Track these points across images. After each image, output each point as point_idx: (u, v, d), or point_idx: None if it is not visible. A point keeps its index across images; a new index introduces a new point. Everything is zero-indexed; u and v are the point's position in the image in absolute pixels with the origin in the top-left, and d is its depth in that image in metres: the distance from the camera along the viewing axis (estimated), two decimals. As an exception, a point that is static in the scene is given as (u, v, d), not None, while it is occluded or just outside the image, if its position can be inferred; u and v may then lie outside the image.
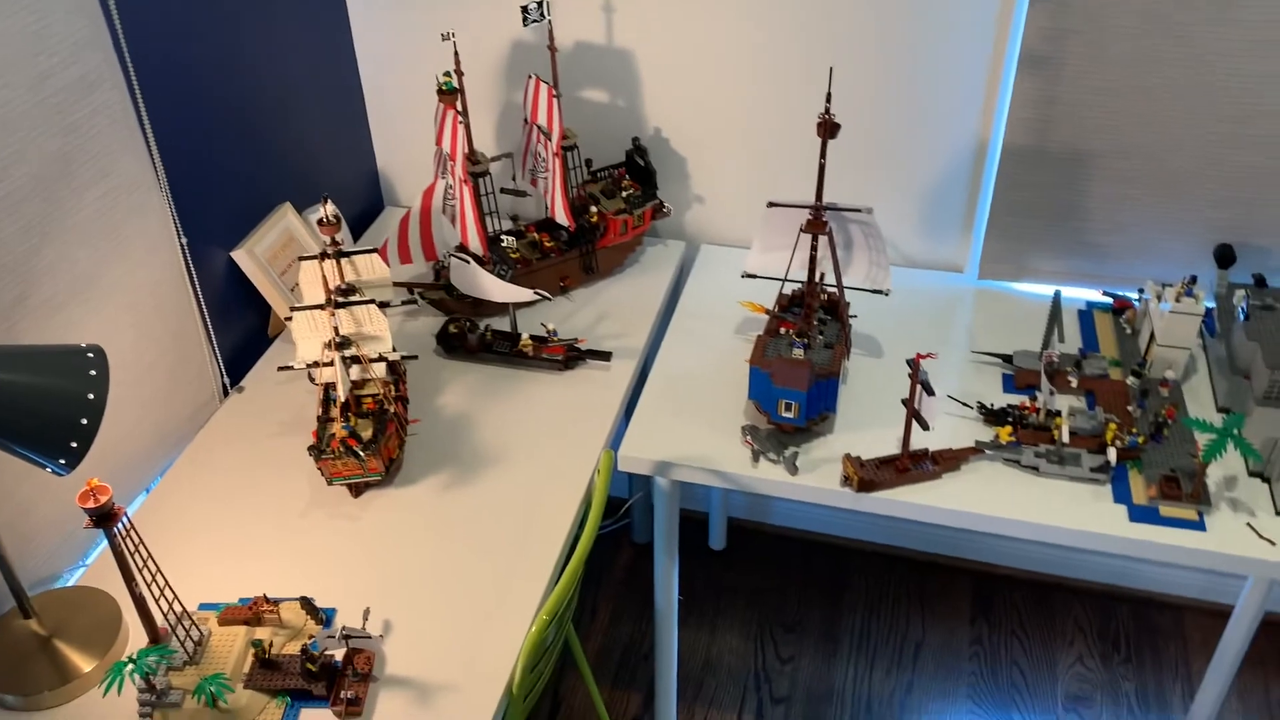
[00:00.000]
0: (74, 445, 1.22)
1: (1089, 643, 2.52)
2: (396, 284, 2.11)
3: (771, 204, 1.83)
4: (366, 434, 1.73)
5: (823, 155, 1.70)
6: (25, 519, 1.57)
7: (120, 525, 1.33)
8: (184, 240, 1.82)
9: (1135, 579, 2.62)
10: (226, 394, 1.98)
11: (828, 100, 1.67)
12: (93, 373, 1.24)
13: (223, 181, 1.94)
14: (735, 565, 2.74)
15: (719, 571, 2.72)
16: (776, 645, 2.54)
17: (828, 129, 1.68)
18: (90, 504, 1.30)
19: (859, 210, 1.81)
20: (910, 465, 1.72)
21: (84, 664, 1.48)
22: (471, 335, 2.05)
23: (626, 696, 2.44)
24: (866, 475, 1.70)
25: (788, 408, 1.74)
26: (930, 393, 1.63)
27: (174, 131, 1.78)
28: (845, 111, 2.11)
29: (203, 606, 1.58)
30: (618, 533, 2.83)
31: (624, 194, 2.21)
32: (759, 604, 2.63)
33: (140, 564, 1.39)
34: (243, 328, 2.05)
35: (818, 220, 1.76)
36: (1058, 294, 2.01)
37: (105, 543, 1.71)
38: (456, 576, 1.62)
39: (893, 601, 2.63)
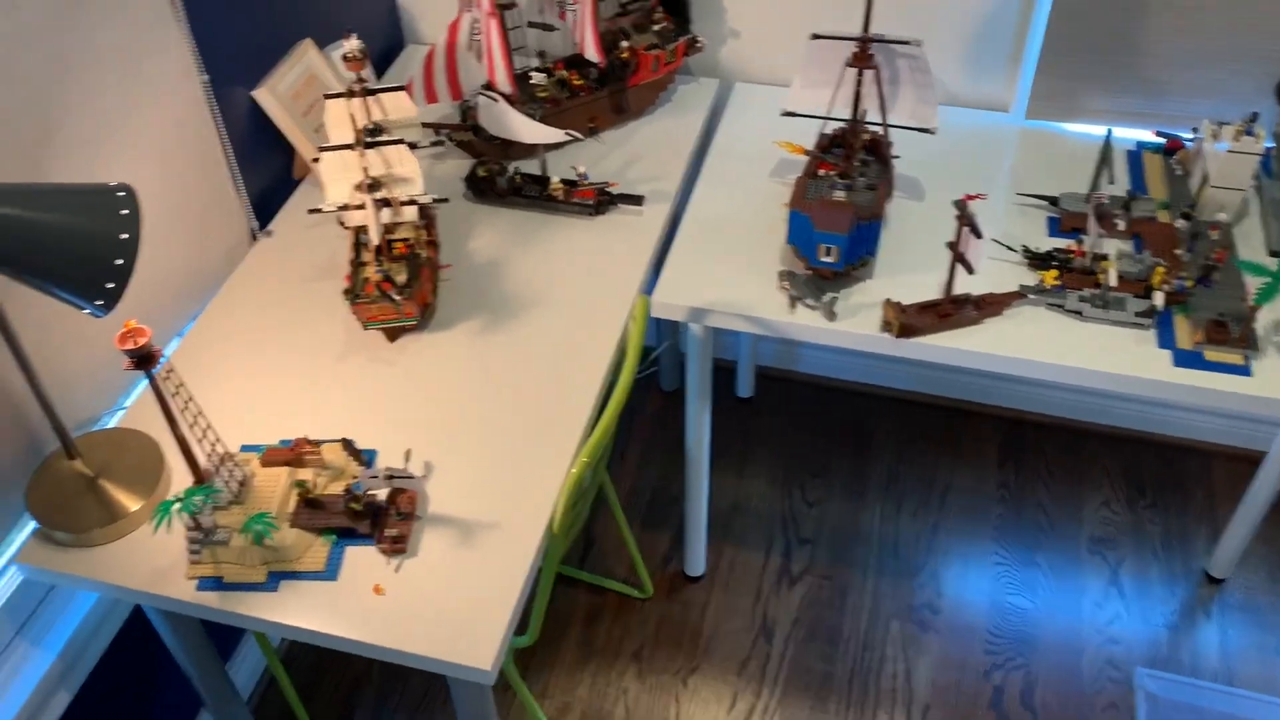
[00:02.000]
0: (110, 286, 1.21)
1: (1115, 487, 2.54)
2: (423, 125, 2.06)
3: (815, 36, 1.75)
4: (401, 278, 1.71)
5: (871, -16, 1.61)
6: (62, 362, 1.57)
7: (159, 367, 1.33)
8: (205, 77, 1.76)
9: (1166, 426, 2.62)
10: (255, 238, 1.96)
11: (879, -78, 1.57)
12: (124, 212, 1.22)
13: (241, 16, 1.86)
14: (763, 412, 2.75)
15: (746, 418, 2.74)
16: (803, 489, 2.57)
17: (878, -46, 1.58)
18: (130, 345, 1.29)
19: (907, 43, 1.72)
20: (952, 310, 1.69)
21: (130, 503, 1.50)
22: (501, 179, 2.00)
23: (656, 537, 2.49)
24: (907, 320, 1.68)
25: (827, 252, 1.70)
26: (978, 235, 1.58)
27: (189, -40, 1.70)
28: (892, -63, 1.99)
29: (244, 448, 1.59)
30: (646, 380, 2.84)
31: (656, 28, 2.12)
32: (786, 450, 2.66)
33: (181, 406, 1.39)
34: (268, 170, 2.01)
35: (864, 53, 1.68)
36: (1109, 133, 1.93)
37: (143, 385, 1.72)
38: (494, 419, 1.63)
39: (921, 447, 2.65)
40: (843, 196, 1.71)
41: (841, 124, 1.88)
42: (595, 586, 2.39)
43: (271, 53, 1.97)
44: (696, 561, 2.37)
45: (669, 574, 2.42)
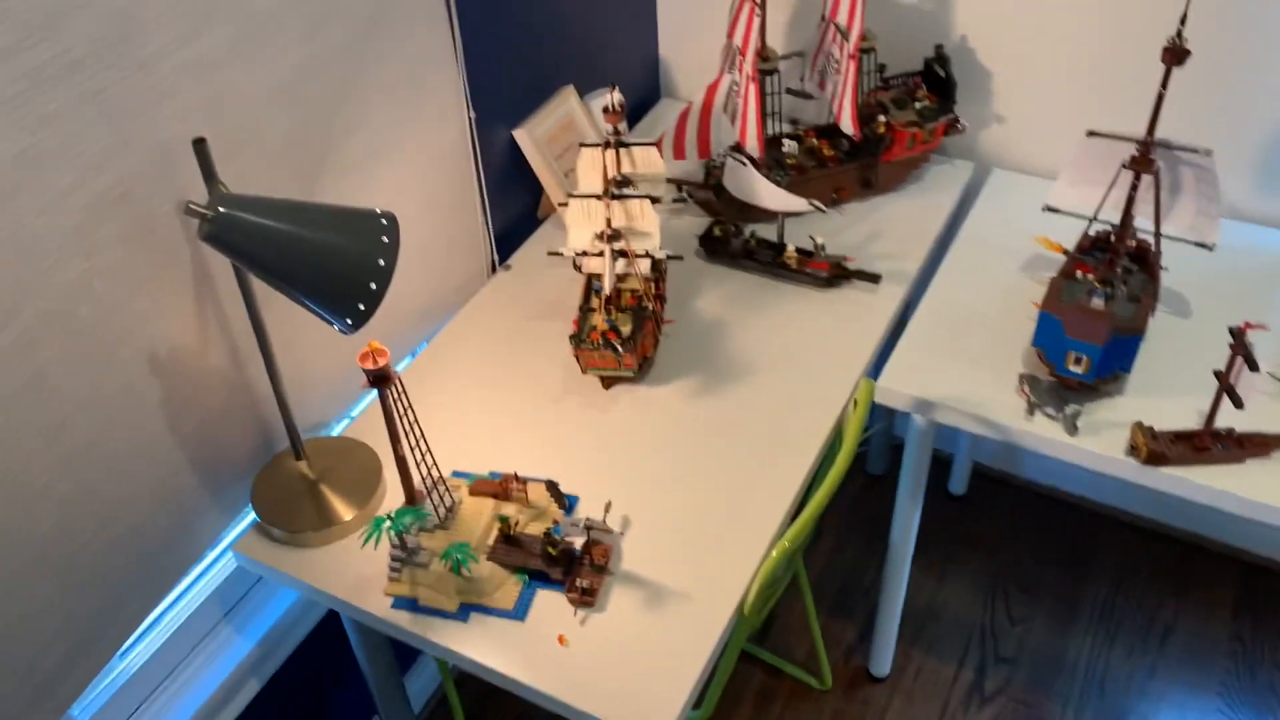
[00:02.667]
0: (361, 307, 1.26)
1: (1373, 664, 2.25)
2: (668, 180, 2.07)
3: (1092, 133, 1.65)
4: (625, 329, 1.72)
5: (1164, 85, 1.50)
6: (305, 367, 1.66)
7: (394, 389, 1.37)
8: (472, 114, 1.84)
9: None
10: (494, 270, 2.02)
11: (1181, 23, 1.46)
12: (385, 239, 1.27)
13: (513, 58, 1.94)
14: (974, 513, 2.60)
15: (956, 517, 2.60)
16: (1009, 603, 2.41)
17: (1175, 55, 1.48)
18: (369, 365, 1.35)
19: (1195, 151, 1.60)
20: (1211, 444, 1.54)
21: (345, 511, 1.56)
22: (735, 240, 1.99)
23: (842, 626, 2.39)
24: (1158, 448, 1.54)
25: (1077, 361, 1.59)
26: (1253, 367, 1.44)
27: (475, 4, 1.78)
28: (1194, 34, 1.86)
29: (455, 474, 1.63)
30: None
31: (917, 105, 2.06)
32: (995, 557, 2.50)
33: (407, 427, 1.43)
34: (514, 206, 2.08)
35: (1145, 157, 1.57)
36: None
37: (372, 398, 1.80)
38: (698, 484, 1.60)
39: (1145, 578, 2.44)
40: (1101, 305, 1.60)
41: (1107, 227, 1.76)
42: (773, 667, 2.31)
43: (535, 95, 2.04)
44: (883, 661, 2.25)
45: (851, 668, 2.31)
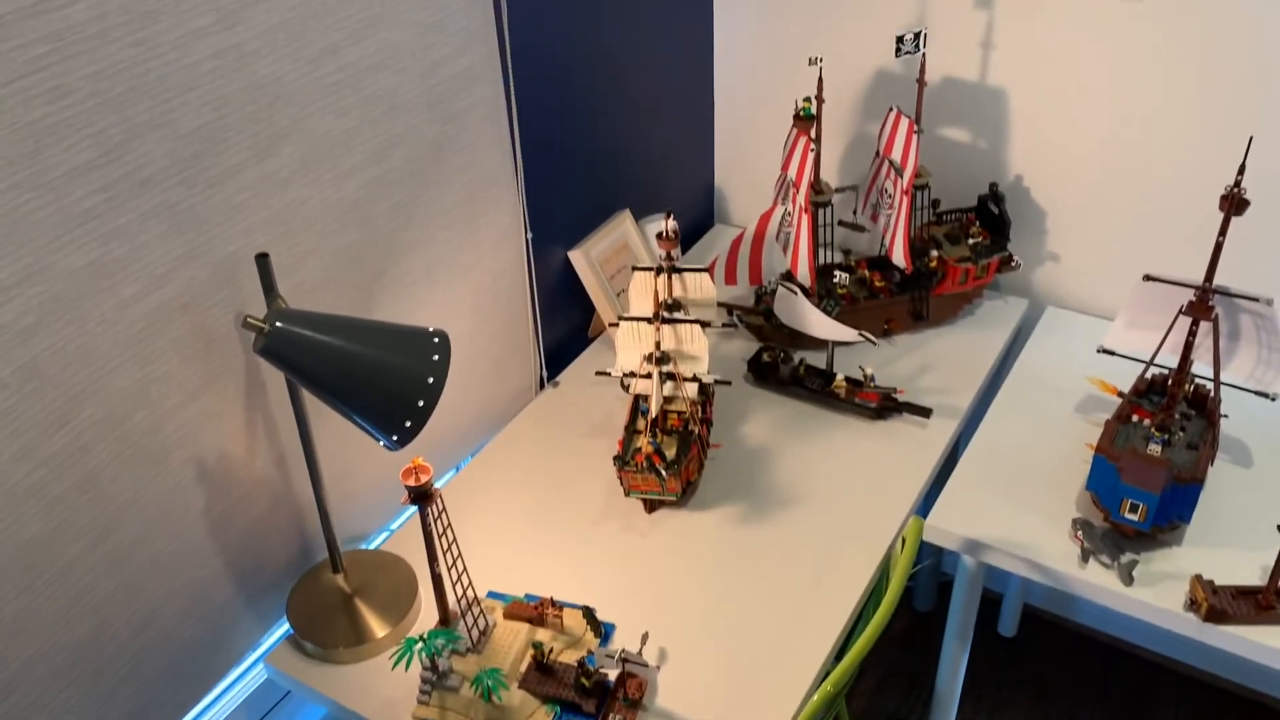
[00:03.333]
0: (408, 425, 1.26)
1: None
2: (719, 304, 2.09)
3: (1149, 278, 1.63)
4: (670, 453, 1.71)
5: (1222, 233, 1.49)
6: (348, 480, 1.67)
7: (435, 506, 1.37)
8: (529, 235, 1.87)
9: None
10: (543, 387, 2.03)
11: (1240, 172, 1.46)
12: (435, 357, 1.28)
13: (572, 182, 1.99)
14: (1025, 657, 2.51)
15: (1006, 660, 2.50)
16: (1060, 756, 2.30)
17: (1235, 204, 1.47)
18: (412, 481, 1.34)
19: (1256, 300, 1.58)
20: (1276, 603, 1.48)
21: (379, 629, 1.54)
22: (784, 366, 1.99)
23: (884, 771, 2.29)
24: (1218, 604, 1.48)
25: (1133, 508, 1.55)
26: (1320, 526, 1.39)
27: (537, 129, 1.83)
28: (1253, 183, 1.86)
29: (490, 594, 1.61)
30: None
31: (970, 241, 2.06)
32: (1048, 705, 2.40)
33: (445, 546, 1.42)
34: (565, 325, 2.10)
35: (1203, 303, 1.55)
36: None
37: (413, 513, 1.79)
38: (738, 618, 1.56)
39: (1206, 738, 2.32)
40: (1158, 451, 1.56)
41: (1164, 371, 1.73)
42: (809, 811, 2.21)
43: (592, 218, 2.08)
44: (925, 811, 2.15)
45: (892, 817, 2.21)
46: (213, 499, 1.43)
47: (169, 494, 1.37)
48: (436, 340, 1.30)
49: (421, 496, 1.35)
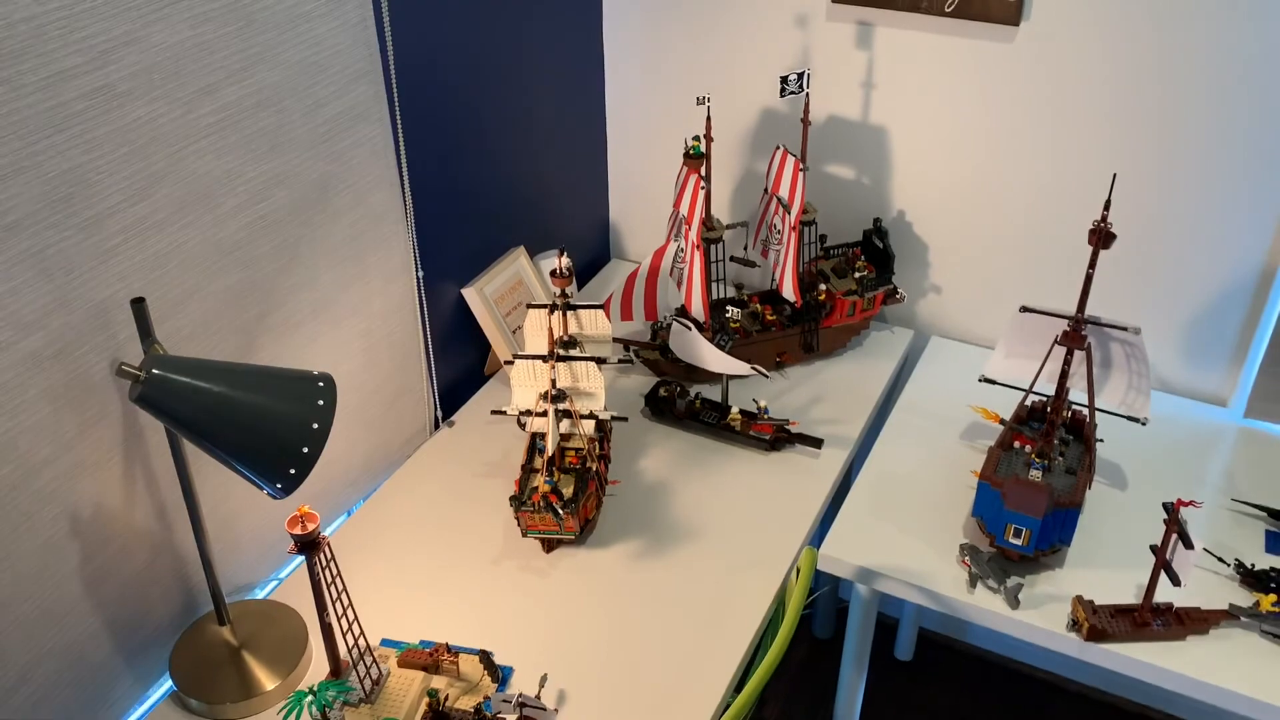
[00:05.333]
0: (293, 472, 1.23)
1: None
2: (615, 340, 2.09)
3: (1025, 309, 1.70)
4: (568, 491, 1.70)
5: (1091, 265, 1.56)
6: (233, 528, 1.61)
7: (323, 555, 1.33)
8: (420, 273, 1.85)
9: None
10: (438, 427, 2.00)
11: (1106, 208, 1.53)
12: (321, 402, 1.25)
13: (463, 219, 1.98)
14: (922, 681, 2.56)
15: (904, 685, 2.55)
16: (957, 776, 2.34)
17: (1102, 238, 1.54)
18: (298, 530, 1.31)
19: (1124, 329, 1.65)
20: (1150, 620, 1.54)
21: (267, 681, 1.49)
22: (680, 401, 2.00)
23: (787, 801, 2.30)
24: (1099, 624, 1.53)
25: (1017, 533, 1.59)
26: (1189, 546, 1.45)
27: (426, 167, 1.82)
28: (1117, 218, 1.95)
29: (384, 643, 1.57)
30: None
31: (856, 274, 2.12)
32: (942, 726, 2.44)
33: (334, 596, 1.39)
34: (460, 363, 2.08)
35: (1076, 333, 1.61)
36: (1344, 447, 1.77)
37: (300, 562, 1.74)
38: (638, 654, 1.55)
39: (1094, 752, 2.39)
40: (1039, 477, 1.61)
41: (1043, 398, 1.80)
42: (714, 845, 2.20)
43: (485, 255, 2.07)
44: (828, 839, 2.16)
45: (796, 847, 2.21)
46: (88, 554, 1.37)
47: (39, 551, 1.30)
48: (322, 384, 1.28)
49: (308, 545, 1.32)
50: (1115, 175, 1.82)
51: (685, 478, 1.88)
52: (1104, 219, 1.53)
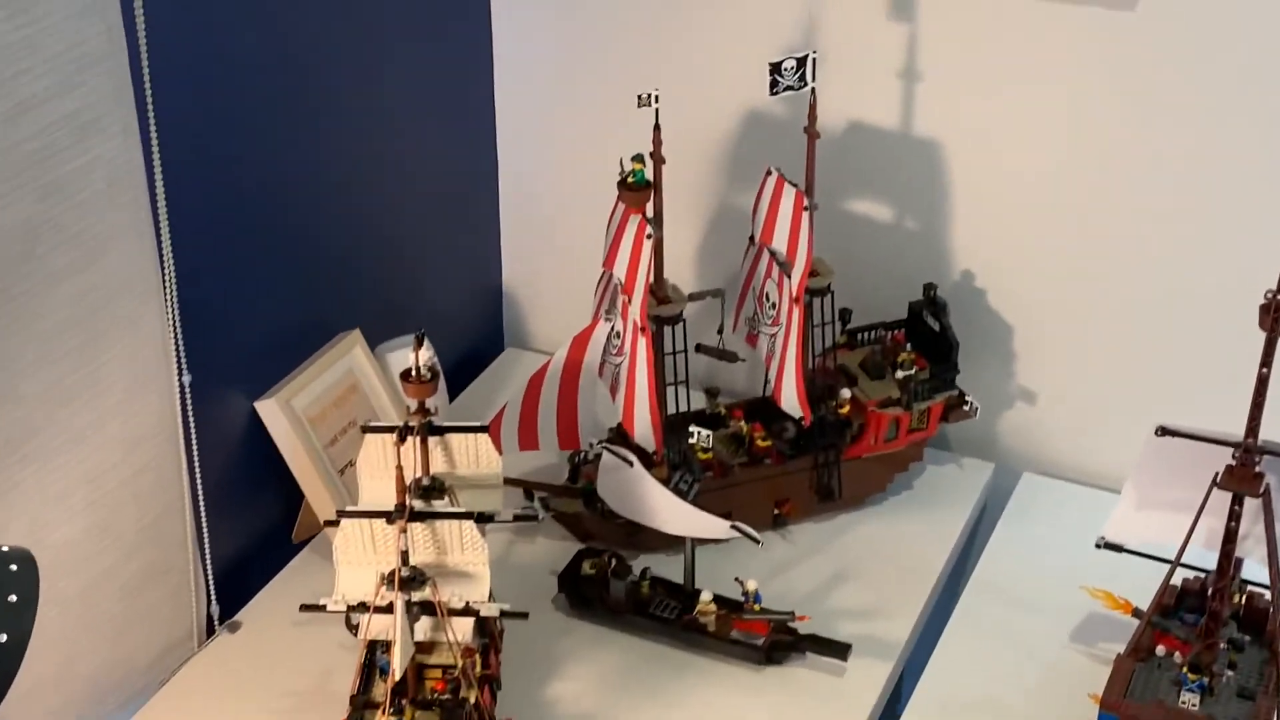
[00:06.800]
0: (-33, 706, 1.20)
1: None
2: (509, 481, 2.08)
3: (1164, 431, 1.72)
4: (428, 739, 1.68)
5: (1266, 362, 1.58)
6: None
7: None
8: (186, 378, 1.84)
9: None
10: (212, 631, 1.98)
11: (1287, 274, 1.57)
12: (12, 598, 1.23)
13: (263, 289, 1.98)
14: None
15: None
16: None
17: (1279, 319, 1.57)
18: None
19: (1324, 461, 1.68)
20: None
21: None
22: (617, 582, 2.00)
23: None
24: None
25: (1164, 796, 1.59)
26: None
27: (199, 204, 1.82)
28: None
29: None
30: None
31: (900, 373, 2.14)
32: None
33: None
34: (251, 524, 2.08)
35: (1248, 469, 1.63)
36: None
37: None
38: None
39: None
40: (1195, 704, 1.62)
41: (1200, 574, 1.81)
42: None
43: (297, 346, 2.08)
44: None
45: None
46: None
47: None
48: (14, 567, 1.25)
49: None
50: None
51: (628, 711, 1.86)
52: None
